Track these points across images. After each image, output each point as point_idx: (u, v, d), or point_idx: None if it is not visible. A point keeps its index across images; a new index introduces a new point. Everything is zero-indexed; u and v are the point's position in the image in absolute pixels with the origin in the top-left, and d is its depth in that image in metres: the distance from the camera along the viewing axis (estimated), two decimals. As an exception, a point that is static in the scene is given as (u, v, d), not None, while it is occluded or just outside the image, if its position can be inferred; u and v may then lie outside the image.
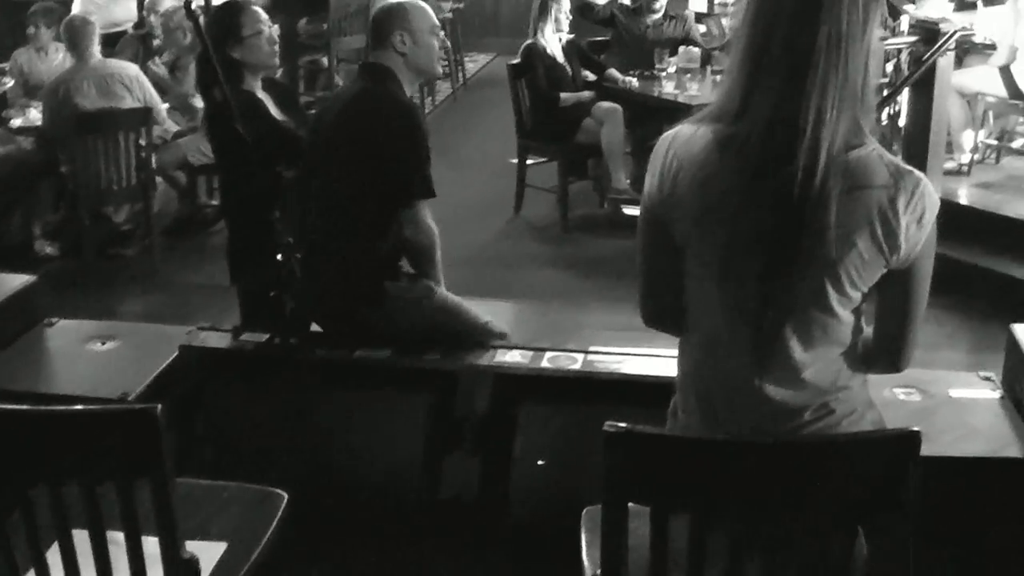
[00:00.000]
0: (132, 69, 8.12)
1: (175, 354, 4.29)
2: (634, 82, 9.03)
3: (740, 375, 2.56)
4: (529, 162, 9.05)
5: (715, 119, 2.52)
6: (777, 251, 2.44)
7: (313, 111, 6.15)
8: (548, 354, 4.28)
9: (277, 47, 5.32)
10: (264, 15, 5.28)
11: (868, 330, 2.65)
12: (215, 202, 8.82)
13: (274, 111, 5.22)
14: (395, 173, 4.45)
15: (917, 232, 2.45)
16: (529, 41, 8.85)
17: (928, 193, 2.46)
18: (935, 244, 2.53)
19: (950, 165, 8.60)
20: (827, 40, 2.38)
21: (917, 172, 2.46)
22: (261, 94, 5.23)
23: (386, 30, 4.63)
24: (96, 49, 7.90)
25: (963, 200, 8.19)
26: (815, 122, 2.37)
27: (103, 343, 4.40)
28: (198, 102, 8.57)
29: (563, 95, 8.67)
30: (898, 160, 2.47)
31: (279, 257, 3.63)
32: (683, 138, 2.56)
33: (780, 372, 2.53)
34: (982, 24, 9.18)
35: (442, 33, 4.78)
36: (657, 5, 9.69)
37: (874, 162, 2.43)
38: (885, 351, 2.64)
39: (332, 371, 4.40)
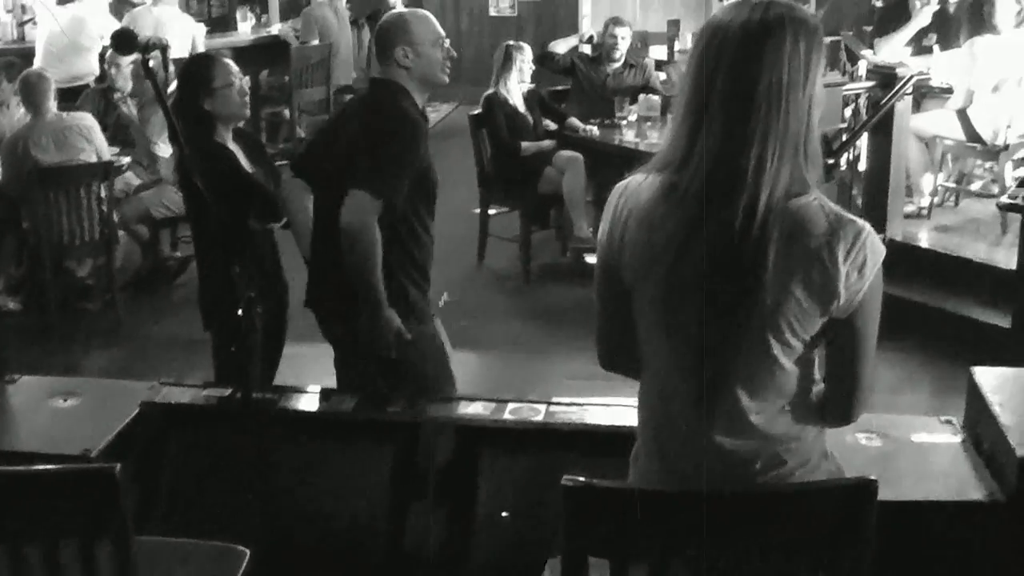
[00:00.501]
0: (88, 119, 8.11)
1: (137, 410, 4.27)
2: (595, 131, 9.07)
3: (690, 422, 2.57)
4: (491, 212, 9.08)
5: (662, 168, 2.55)
6: (716, 298, 2.46)
7: (280, 163, 6.17)
8: (510, 405, 4.27)
9: (247, 98, 5.37)
10: (235, 67, 5.33)
11: (821, 383, 2.66)
12: (178, 254, 8.82)
13: (244, 162, 5.25)
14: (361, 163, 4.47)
15: (858, 281, 2.47)
16: (490, 91, 8.87)
17: (870, 242, 2.48)
18: (880, 294, 2.54)
19: (910, 208, 8.67)
20: (768, 90, 2.40)
21: (859, 221, 2.48)
22: (232, 145, 5.27)
23: (389, 45, 4.63)
24: (52, 104, 7.89)
25: (923, 243, 8.24)
26: (755, 170, 2.40)
27: (65, 399, 4.37)
28: (160, 150, 8.58)
29: (524, 144, 8.69)
30: (840, 209, 2.49)
31: (239, 312, 3.61)
32: (633, 187, 2.60)
33: (728, 421, 2.55)
34: (938, 68, 9.28)
35: (447, 43, 4.75)
36: (617, 54, 9.74)
37: (814, 211, 2.45)
38: (835, 404, 2.65)
39: (295, 424, 4.39)
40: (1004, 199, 7.24)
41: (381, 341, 4.54)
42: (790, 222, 2.42)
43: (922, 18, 9.86)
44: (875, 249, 2.49)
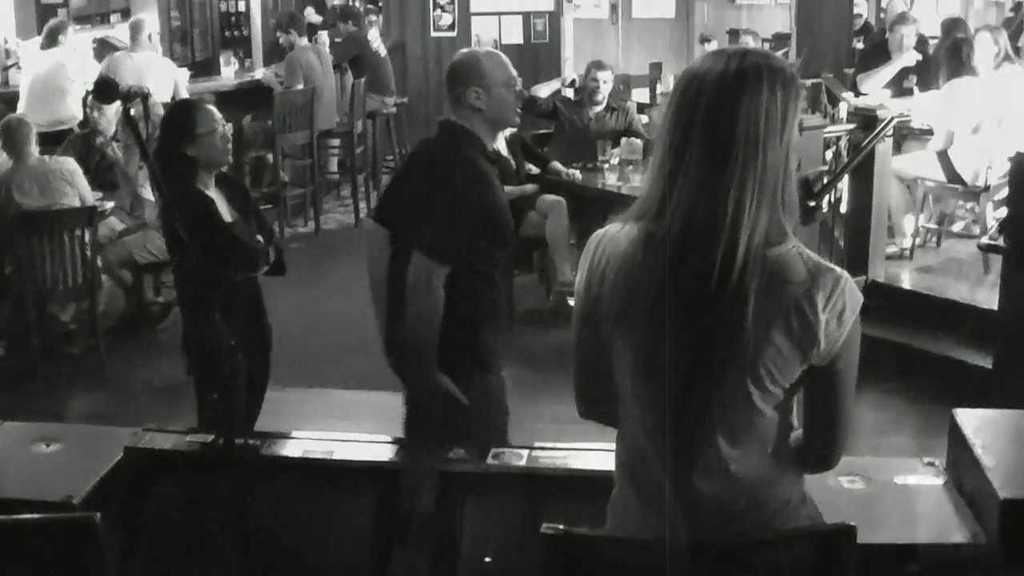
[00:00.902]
0: (71, 164, 8.12)
1: (120, 456, 4.26)
2: (577, 174, 9.10)
3: (668, 469, 2.58)
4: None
5: (639, 216, 2.56)
6: (695, 347, 2.47)
7: (264, 207, 6.19)
8: (493, 450, 4.27)
9: (230, 144, 5.38)
10: (218, 113, 5.34)
11: (800, 429, 2.67)
12: (161, 299, 8.82)
13: (225, 210, 5.26)
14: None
15: (837, 329, 2.48)
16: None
17: (848, 290, 2.49)
18: (858, 340, 2.55)
19: (891, 250, 8.71)
20: (744, 140, 2.42)
21: (838, 269, 2.50)
22: (214, 191, 5.27)
23: (460, 86, 4.54)
24: (34, 148, 7.91)
25: (905, 284, 8.28)
26: (733, 220, 2.41)
27: (48, 445, 4.36)
28: (146, 194, 8.60)
29: (507, 188, 8.69)
30: (818, 258, 2.50)
31: (221, 358, 3.62)
32: (611, 235, 2.61)
33: (707, 467, 2.55)
34: (918, 110, 9.34)
35: (519, 82, 4.70)
36: (599, 97, 9.78)
37: (792, 259, 2.46)
38: (814, 450, 2.66)
39: (277, 470, 4.38)
40: (985, 240, 7.27)
41: (429, 401, 4.50)
42: (769, 271, 2.43)
43: (906, 57, 9.94)
44: (853, 297, 2.50)
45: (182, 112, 5.41)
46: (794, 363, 2.48)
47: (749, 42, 13.91)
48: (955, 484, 3.96)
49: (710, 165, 2.43)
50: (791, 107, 2.47)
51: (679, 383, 2.49)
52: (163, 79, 10.92)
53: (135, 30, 11.29)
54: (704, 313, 2.44)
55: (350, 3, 16.02)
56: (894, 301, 7.77)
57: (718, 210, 2.41)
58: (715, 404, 2.49)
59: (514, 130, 9.28)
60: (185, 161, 5.17)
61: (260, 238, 5.35)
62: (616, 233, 2.60)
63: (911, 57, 9.92)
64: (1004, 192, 8.64)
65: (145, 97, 4.69)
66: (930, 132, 8.99)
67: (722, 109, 2.43)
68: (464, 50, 4.90)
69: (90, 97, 9.75)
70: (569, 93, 10.52)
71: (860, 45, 12.47)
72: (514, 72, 4.66)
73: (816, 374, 2.53)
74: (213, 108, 5.38)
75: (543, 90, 10.34)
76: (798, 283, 2.44)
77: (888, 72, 9.81)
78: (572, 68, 13.56)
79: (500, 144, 8.89)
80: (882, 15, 14.67)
